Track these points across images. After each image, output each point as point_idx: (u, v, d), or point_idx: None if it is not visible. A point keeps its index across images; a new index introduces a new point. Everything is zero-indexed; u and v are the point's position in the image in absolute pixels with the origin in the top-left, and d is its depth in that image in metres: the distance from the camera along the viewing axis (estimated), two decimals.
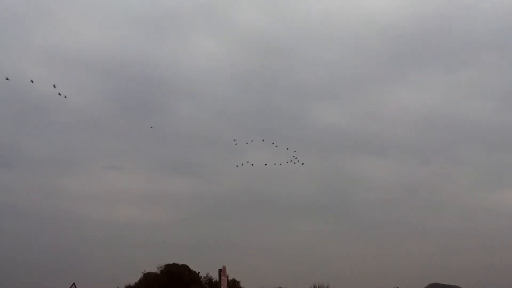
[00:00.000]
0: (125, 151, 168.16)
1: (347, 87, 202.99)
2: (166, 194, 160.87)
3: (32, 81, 52.54)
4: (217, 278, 65.96)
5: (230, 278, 74.62)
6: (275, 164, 78.47)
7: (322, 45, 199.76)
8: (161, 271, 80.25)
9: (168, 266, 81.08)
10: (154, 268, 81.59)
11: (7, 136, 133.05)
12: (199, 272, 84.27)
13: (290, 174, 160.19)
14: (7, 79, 48.55)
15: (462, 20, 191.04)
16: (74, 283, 44.14)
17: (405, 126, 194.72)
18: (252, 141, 77.10)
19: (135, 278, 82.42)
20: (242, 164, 79.95)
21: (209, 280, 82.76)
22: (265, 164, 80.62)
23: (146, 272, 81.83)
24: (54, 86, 49.24)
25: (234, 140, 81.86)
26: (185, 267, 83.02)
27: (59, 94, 49.99)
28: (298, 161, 75.35)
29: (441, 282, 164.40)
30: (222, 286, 48.03)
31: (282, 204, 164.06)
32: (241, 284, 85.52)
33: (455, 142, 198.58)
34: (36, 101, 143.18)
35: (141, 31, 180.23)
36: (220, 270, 48.27)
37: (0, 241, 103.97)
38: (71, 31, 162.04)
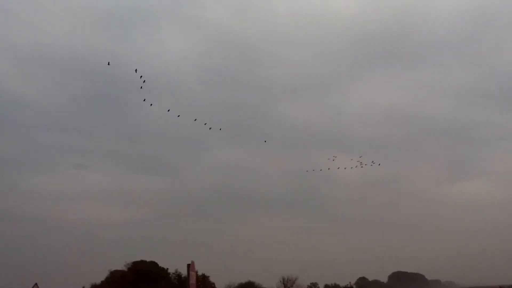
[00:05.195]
0: (93, 149, 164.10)
1: (312, 85, 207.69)
2: (135, 192, 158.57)
3: None
4: (186, 274, 65.68)
5: (200, 273, 74.55)
6: (338, 168, 75.78)
7: (288, 45, 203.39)
8: (128, 269, 79.09)
9: (135, 264, 79.98)
10: (121, 266, 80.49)
11: None
12: (167, 269, 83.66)
13: (259, 170, 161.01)
14: None
15: (422, 22, 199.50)
16: (36, 283, 42.86)
17: (369, 122, 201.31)
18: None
19: (101, 277, 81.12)
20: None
21: (178, 276, 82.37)
22: (328, 168, 76.81)
23: (113, 270, 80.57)
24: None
25: None
26: (153, 264, 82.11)
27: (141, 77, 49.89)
28: (365, 164, 73.51)
29: (405, 270, 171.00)
30: (190, 281, 47.85)
31: (251, 201, 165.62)
32: (211, 279, 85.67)
33: (417, 137, 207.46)
34: None
35: (106, 28, 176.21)
36: (188, 266, 48.03)
37: None
38: (32, 28, 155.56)
